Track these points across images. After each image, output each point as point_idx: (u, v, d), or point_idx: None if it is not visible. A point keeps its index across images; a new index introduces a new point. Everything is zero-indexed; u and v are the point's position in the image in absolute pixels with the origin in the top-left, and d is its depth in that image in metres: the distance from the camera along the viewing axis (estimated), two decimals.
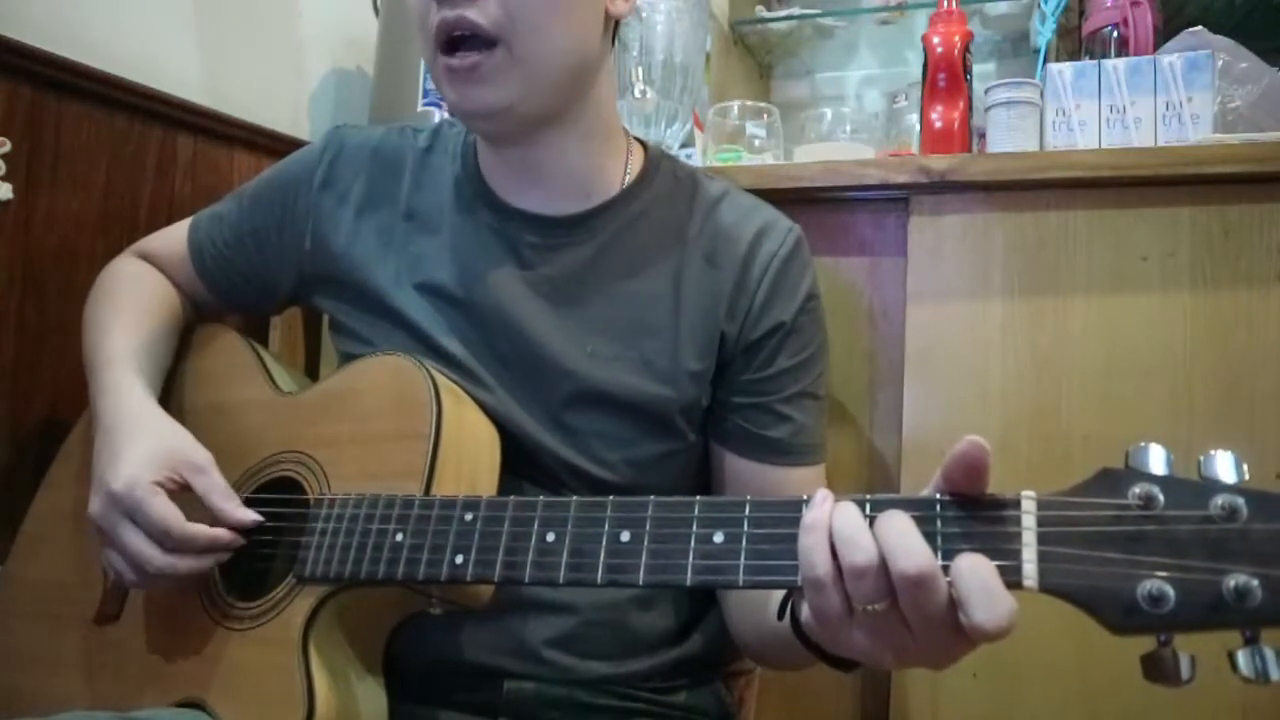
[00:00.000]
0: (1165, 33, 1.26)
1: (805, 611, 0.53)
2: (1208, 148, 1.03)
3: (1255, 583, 0.42)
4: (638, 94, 1.28)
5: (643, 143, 0.89)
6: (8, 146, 1.00)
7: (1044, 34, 1.33)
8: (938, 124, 1.22)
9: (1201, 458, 0.46)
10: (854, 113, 1.78)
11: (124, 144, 1.14)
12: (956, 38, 1.24)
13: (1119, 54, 1.23)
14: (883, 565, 0.48)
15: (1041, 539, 0.48)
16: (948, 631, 0.48)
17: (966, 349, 1.11)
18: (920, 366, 1.13)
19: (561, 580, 0.59)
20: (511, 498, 0.64)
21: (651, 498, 0.58)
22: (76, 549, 0.86)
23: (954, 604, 0.47)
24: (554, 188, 0.82)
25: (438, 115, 1.35)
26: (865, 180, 1.15)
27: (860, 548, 0.49)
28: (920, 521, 0.49)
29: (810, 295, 0.84)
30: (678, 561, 0.56)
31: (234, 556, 0.74)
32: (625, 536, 0.58)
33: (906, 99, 1.65)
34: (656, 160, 0.87)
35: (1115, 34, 1.25)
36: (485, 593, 0.71)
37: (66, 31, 1.07)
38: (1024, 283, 1.09)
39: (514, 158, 0.82)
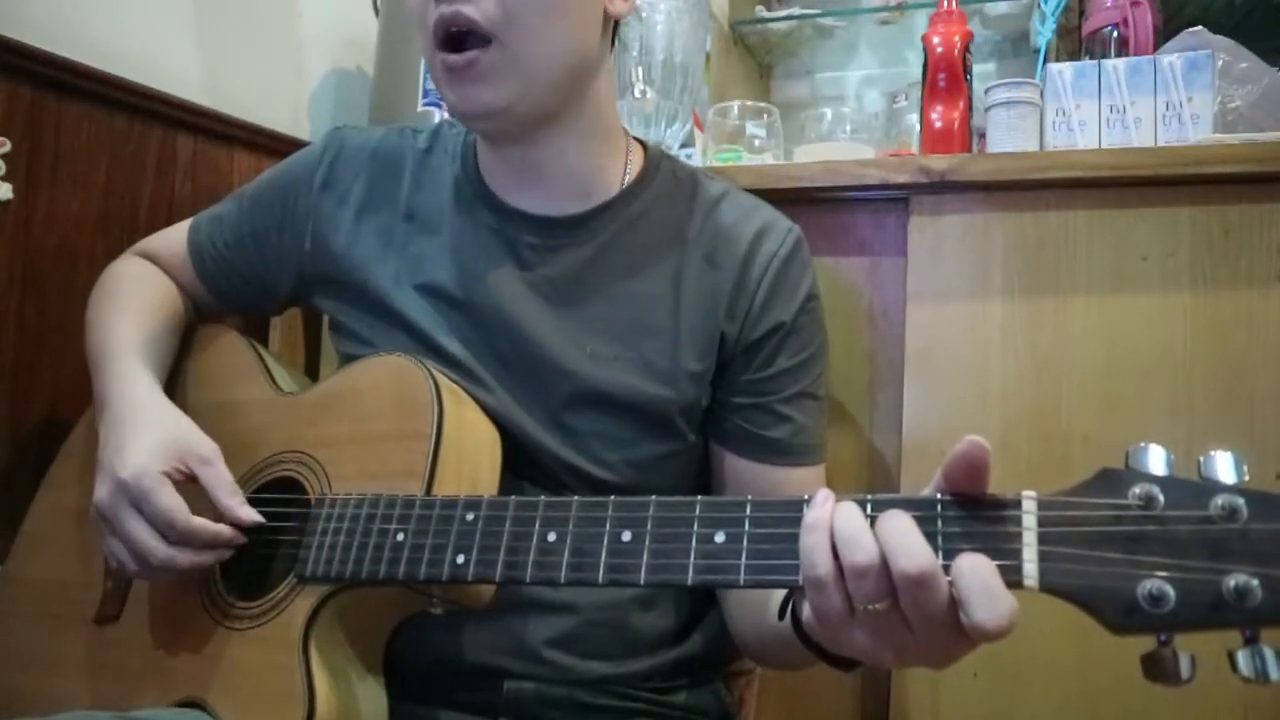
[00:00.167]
0: (1165, 33, 1.26)
1: (806, 611, 0.53)
2: (1208, 148, 1.03)
3: (1255, 582, 0.42)
4: (638, 94, 1.28)
5: (643, 143, 0.89)
6: (8, 146, 1.00)
7: (1044, 34, 1.33)
8: (938, 124, 1.22)
9: (1201, 458, 0.46)
10: (854, 113, 1.78)
11: (124, 144, 1.14)
12: (956, 38, 1.24)
13: (1119, 54, 1.23)
14: (884, 565, 0.48)
15: (1042, 539, 0.48)
16: (948, 631, 0.48)
17: (966, 349, 1.11)
18: (920, 366, 1.13)
19: (563, 580, 0.60)
20: (513, 497, 0.64)
21: (653, 497, 0.59)
22: (77, 549, 0.86)
23: (955, 603, 0.47)
24: (554, 188, 0.82)
25: (438, 115, 1.35)
26: (865, 180, 1.15)
27: (861, 547, 0.49)
28: (921, 521, 0.49)
29: (810, 295, 0.84)
30: (679, 561, 0.56)
31: (235, 556, 0.74)
32: (626, 536, 0.58)
33: (906, 99, 1.65)
34: (656, 160, 0.87)
35: (1115, 34, 1.25)
36: (486, 593, 0.71)
37: (66, 31, 1.07)
38: (1024, 283, 1.09)
39: (514, 158, 0.82)
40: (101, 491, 0.73)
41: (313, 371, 1.35)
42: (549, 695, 0.77)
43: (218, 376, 0.91)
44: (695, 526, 0.56)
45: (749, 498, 0.56)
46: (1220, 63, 1.13)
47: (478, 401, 0.78)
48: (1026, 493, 0.49)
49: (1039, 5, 1.37)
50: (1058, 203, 1.09)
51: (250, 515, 0.73)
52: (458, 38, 0.72)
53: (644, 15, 1.29)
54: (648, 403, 0.79)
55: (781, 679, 1.10)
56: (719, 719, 0.86)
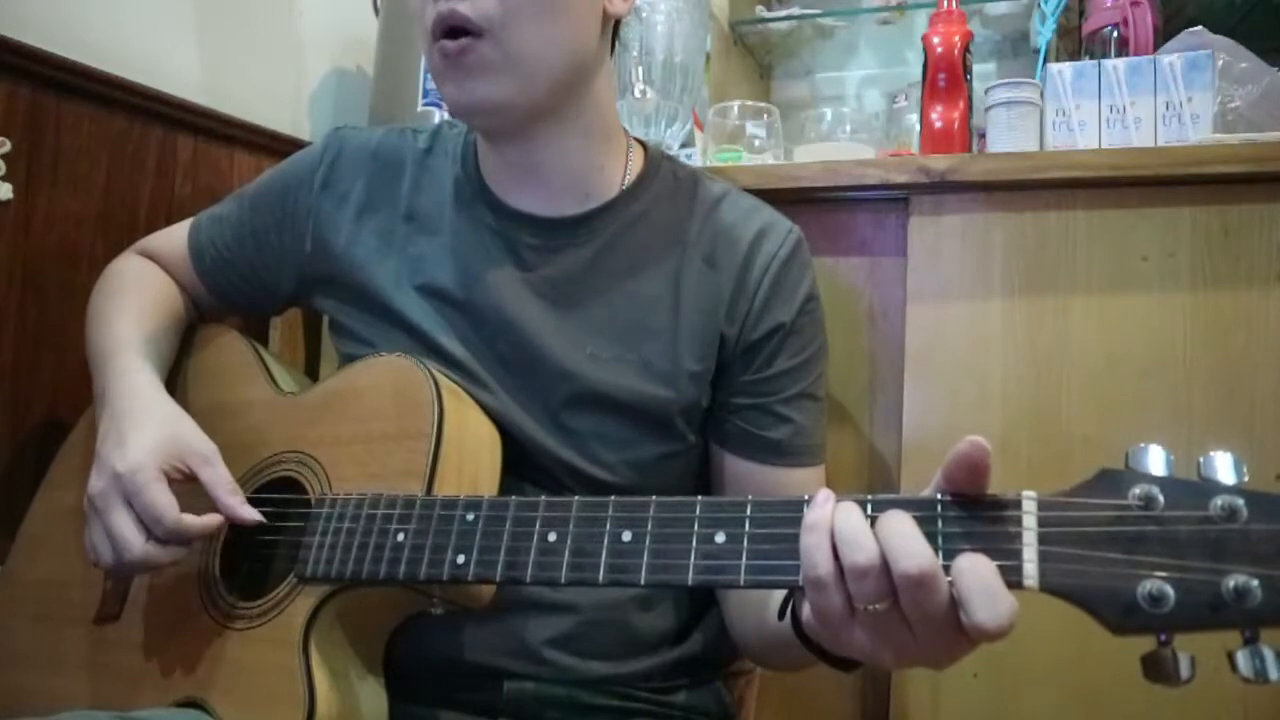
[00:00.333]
0: (1165, 33, 1.26)
1: (806, 611, 0.53)
2: (1208, 148, 1.03)
3: (1255, 583, 0.42)
4: (638, 94, 1.28)
5: (643, 143, 0.89)
6: (8, 146, 1.00)
7: (1044, 34, 1.33)
8: (938, 124, 1.22)
9: (1201, 459, 0.46)
10: (854, 113, 1.79)
11: (124, 144, 1.14)
12: (956, 38, 1.24)
13: (1119, 54, 1.23)
14: (884, 565, 0.48)
15: (1042, 539, 0.48)
16: (949, 631, 0.48)
17: (966, 349, 1.11)
18: (920, 366, 1.13)
19: (563, 580, 0.60)
20: (513, 498, 0.64)
21: (653, 498, 0.59)
22: (77, 549, 0.86)
23: (955, 604, 0.47)
24: (554, 188, 0.82)
25: (438, 115, 1.35)
26: (865, 180, 1.15)
27: (862, 548, 0.49)
28: (921, 522, 0.49)
29: (810, 296, 0.84)
30: (679, 561, 0.56)
31: (235, 556, 0.74)
32: (627, 536, 0.58)
33: (906, 99, 1.66)
34: (656, 161, 0.87)
35: (1115, 34, 1.25)
36: (486, 593, 0.71)
37: (66, 31, 1.06)
38: (1024, 283, 1.09)
39: (514, 157, 0.82)
40: (97, 482, 0.73)
41: (313, 371, 1.35)
42: (549, 695, 0.77)
43: (218, 376, 0.91)
44: (696, 527, 0.56)
45: (749, 498, 0.56)
46: (1220, 63, 1.13)
47: (478, 402, 0.78)
48: (1027, 493, 0.49)
49: (1039, 5, 1.37)
50: (1058, 203, 1.09)
51: (251, 514, 0.73)
52: (455, 33, 0.72)
53: (644, 15, 1.29)
54: (647, 403, 0.79)
55: (781, 679, 1.10)
56: (719, 719, 0.86)
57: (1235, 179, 1.02)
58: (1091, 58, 1.25)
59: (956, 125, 1.21)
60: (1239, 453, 0.46)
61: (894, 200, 1.17)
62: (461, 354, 0.81)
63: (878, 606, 0.49)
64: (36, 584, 0.88)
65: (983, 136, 1.20)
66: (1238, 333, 1.01)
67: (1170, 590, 0.44)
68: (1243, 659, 0.43)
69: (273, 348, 1.30)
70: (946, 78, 1.23)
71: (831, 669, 0.60)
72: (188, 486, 0.73)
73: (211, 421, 0.80)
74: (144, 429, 0.75)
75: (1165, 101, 1.10)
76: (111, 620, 0.80)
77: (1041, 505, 0.49)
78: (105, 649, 0.80)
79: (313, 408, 0.81)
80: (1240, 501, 0.44)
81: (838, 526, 0.50)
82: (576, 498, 0.62)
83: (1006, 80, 1.17)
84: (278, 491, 0.77)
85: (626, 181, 0.84)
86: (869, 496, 0.52)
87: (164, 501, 0.71)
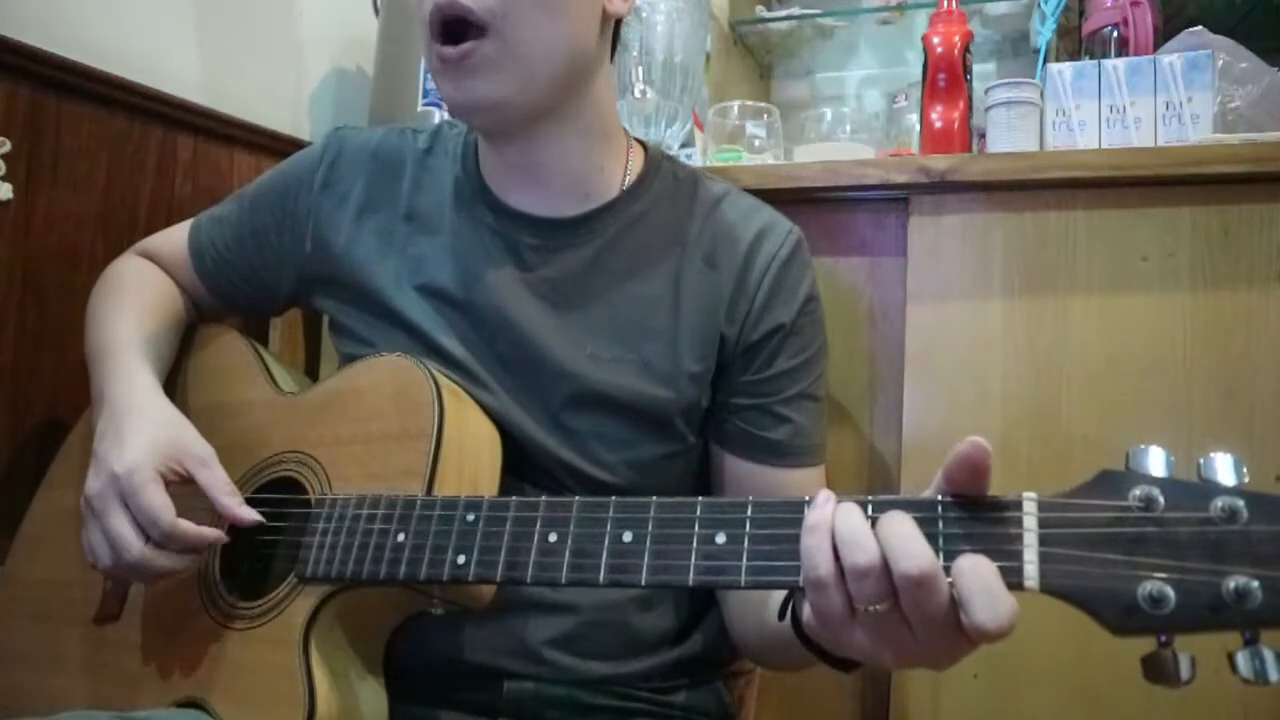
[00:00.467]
0: (1165, 33, 1.26)
1: (806, 612, 0.53)
2: (1208, 148, 1.03)
3: (1255, 584, 0.42)
4: (638, 94, 1.28)
5: (643, 143, 0.89)
6: (8, 146, 1.00)
7: (1044, 34, 1.33)
8: (938, 124, 1.22)
9: (1201, 460, 0.46)
10: (854, 113, 1.79)
11: (124, 144, 1.14)
12: (956, 38, 1.24)
13: (1119, 54, 1.23)
14: (884, 566, 0.48)
15: (1042, 540, 0.48)
16: (949, 632, 0.48)
17: (966, 349, 1.11)
18: (920, 366, 1.13)
19: (564, 580, 0.60)
20: (514, 498, 0.64)
21: (653, 498, 0.59)
22: (76, 549, 0.85)
23: (955, 604, 0.48)
24: (554, 188, 0.82)
25: (438, 115, 1.35)
26: (865, 180, 1.15)
27: (862, 548, 0.49)
28: (922, 522, 0.49)
29: (810, 297, 0.84)
30: (680, 562, 0.56)
31: (235, 556, 0.74)
32: (627, 537, 0.58)
33: (906, 99, 1.65)
34: (656, 161, 0.87)
35: (1115, 34, 1.25)
36: (487, 593, 0.71)
37: (66, 31, 1.06)
38: (1024, 283, 1.09)
39: (514, 157, 0.82)
40: (94, 482, 0.73)
41: (313, 371, 1.35)
42: (549, 695, 0.77)
43: (218, 376, 0.91)
44: (696, 527, 0.56)
45: (750, 499, 0.56)
46: (1220, 63, 1.13)
47: (478, 402, 0.78)
48: (1027, 494, 0.49)
49: (1039, 5, 1.37)
50: (1058, 203, 1.09)
51: (250, 515, 0.73)
52: (454, 30, 0.72)
53: (644, 15, 1.29)
54: (648, 404, 0.79)
55: (781, 679, 1.10)
56: (719, 719, 0.86)
57: (1235, 179, 1.02)
58: (1091, 58, 1.25)
59: (956, 125, 1.21)
60: (1239, 453, 0.46)
61: (894, 200, 1.17)
62: (461, 354, 0.81)
63: (878, 607, 0.49)
64: (36, 584, 0.88)
65: (983, 136, 1.20)
66: (1238, 333, 1.02)
67: (1170, 591, 0.44)
68: (1243, 660, 0.43)
69: (273, 348, 1.30)
70: (946, 78, 1.23)
71: (831, 669, 0.60)
72: (186, 489, 0.73)
73: (211, 421, 0.80)
74: (142, 430, 0.75)
75: (1165, 101, 1.10)
76: (111, 620, 0.80)
77: (1042, 506, 0.49)
78: (105, 649, 0.80)
79: (313, 408, 0.81)
80: (1240, 503, 0.44)
81: (838, 527, 0.50)
82: (577, 498, 0.62)
83: (1006, 80, 1.17)
84: (278, 492, 0.77)
85: (627, 182, 0.84)
86: (869, 497, 0.52)
87: (159, 503, 0.70)
